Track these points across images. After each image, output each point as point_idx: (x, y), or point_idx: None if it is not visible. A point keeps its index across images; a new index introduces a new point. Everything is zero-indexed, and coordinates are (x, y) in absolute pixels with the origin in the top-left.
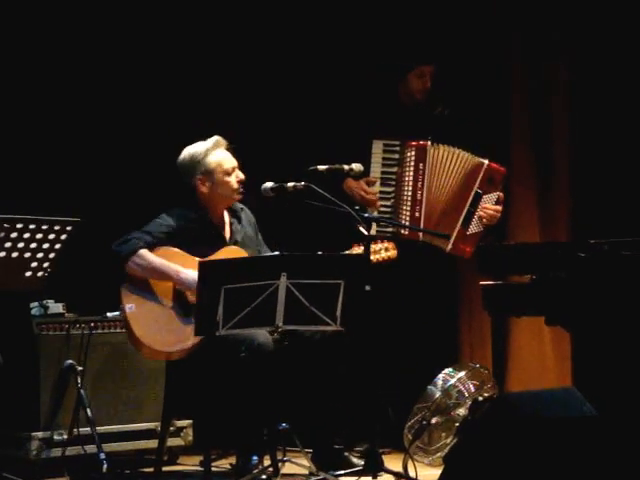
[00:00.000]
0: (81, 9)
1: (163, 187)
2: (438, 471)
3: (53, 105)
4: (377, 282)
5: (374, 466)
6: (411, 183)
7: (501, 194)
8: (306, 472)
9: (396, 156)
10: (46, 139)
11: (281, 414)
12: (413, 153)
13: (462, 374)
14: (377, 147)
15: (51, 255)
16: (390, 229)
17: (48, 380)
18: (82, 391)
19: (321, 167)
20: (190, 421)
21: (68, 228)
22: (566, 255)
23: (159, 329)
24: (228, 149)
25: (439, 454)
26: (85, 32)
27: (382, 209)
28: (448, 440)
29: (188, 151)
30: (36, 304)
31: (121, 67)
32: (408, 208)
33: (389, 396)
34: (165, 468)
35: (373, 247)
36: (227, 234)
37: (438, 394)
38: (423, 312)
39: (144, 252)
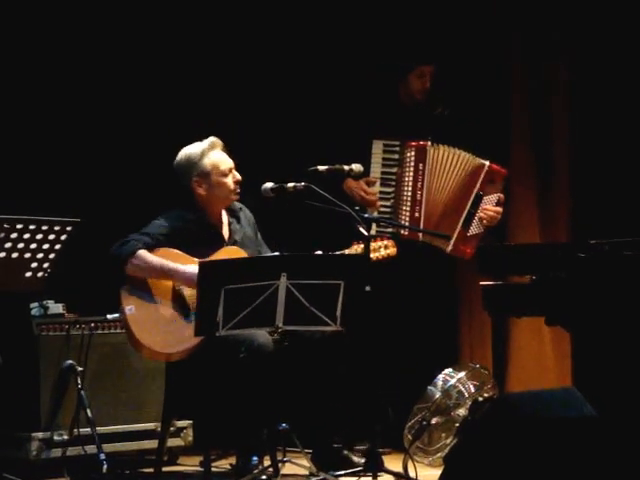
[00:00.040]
0: (81, 9)
1: (162, 188)
2: (438, 471)
3: (53, 106)
4: (377, 282)
5: (374, 466)
6: (411, 183)
7: (502, 195)
8: (306, 472)
9: (396, 156)
10: (46, 140)
11: (281, 414)
12: (413, 153)
13: (462, 374)
14: (377, 147)
15: (51, 255)
16: (390, 229)
17: (48, 380)
18: (82, 391)
19: (321, 167)
20: (190, 421)
21: (68, 228)
22: (566, 255)
23: (159, 330)
24: (224, 150)
25: (439, 454)
26: (85, 33)
27: (382, 209)
28: (448, 440)
29: (184, 153)
30: (36, 304)
31: (120, 68)
32: (408, 208)
33: (389, 396)
34: (165, 468)
35: (372, 245)
36: (226, 234)
37: (438, 394)
38: (423, 312)
39: (142, 253)
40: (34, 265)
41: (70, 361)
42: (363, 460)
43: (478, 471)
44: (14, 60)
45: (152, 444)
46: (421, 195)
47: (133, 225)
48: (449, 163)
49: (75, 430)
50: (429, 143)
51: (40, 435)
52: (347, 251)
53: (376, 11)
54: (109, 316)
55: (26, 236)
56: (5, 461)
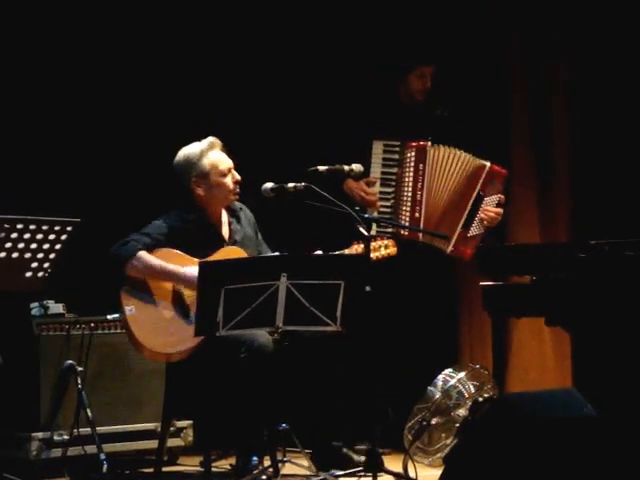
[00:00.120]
0: (81, 10)
1: (162, 188)
2: (438, 472)
3: (53, 106)
4: (377, 282)
5: (374, 467)
6: (411, 184)
7: (502, 196)
8: (306, 472)
9: (396, 157)
10: (46, 140)
11: (281, 415)
12: (413, 154)
13: (462, 375)
14: (377, 148)
15: (51, 255)
16: (390, 230)
17: (48, 380)
18: (82, 391)
19: (321, 168)
20: (190, 422)
21: (68, 228)
22: (566, 256)
23: (159, 331)
24: (223, 150)
25: (439, 455)
26: (85, 33)
27: (382, 210)
28: (448, 441)
29: (183, 153)
30: (36, 304)
31: (120, 68)
32: (408, 209)
33: (389, 396)
34: (165, 468)
35: (372, 245)
36: (226, 234)
37: (438, 395)
38: (423, 312)
39: (142, 254)
40: (34, 265)
41: (70, 361)
42: (363, 458)
43: (478, 471)
44: (14, 60)
45: (152, 444)
46: (421, 195)
47: (133, 225)
48: (449, 163)
49: (75, 430)
50: (429, 143)
51: (40, 435)
52: (347, 251)
53: (376, 11)
54: (109, 316)
55: (26, 236)
56: (5, 461)
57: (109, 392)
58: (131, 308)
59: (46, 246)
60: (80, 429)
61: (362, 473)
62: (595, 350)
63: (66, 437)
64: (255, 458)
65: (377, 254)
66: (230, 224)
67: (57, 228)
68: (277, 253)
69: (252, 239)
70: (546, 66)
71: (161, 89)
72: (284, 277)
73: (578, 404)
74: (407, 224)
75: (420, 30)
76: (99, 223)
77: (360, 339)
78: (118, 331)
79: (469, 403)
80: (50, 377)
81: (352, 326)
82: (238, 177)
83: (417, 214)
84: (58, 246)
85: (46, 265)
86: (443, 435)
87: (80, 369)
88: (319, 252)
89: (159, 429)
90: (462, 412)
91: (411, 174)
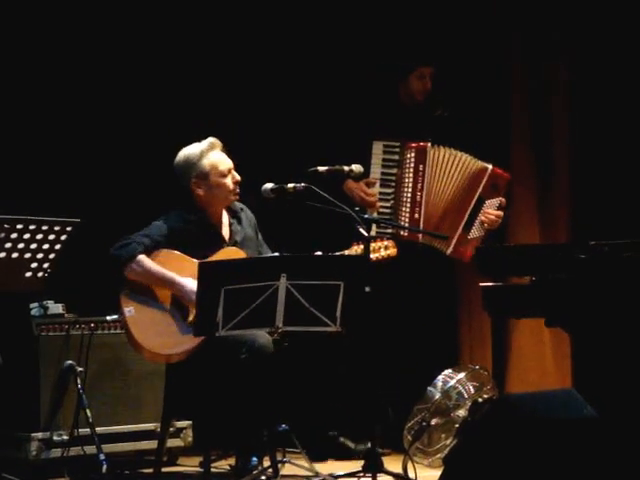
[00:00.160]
0: (81, 10)
1: (163, 188)
2: (438, 472)
3: (53, 106)
4: (377, 283)
5: (374, 467)
6: (411, 184)
7: (503, 199)
8: (306, 473)
9: (396, 157)
10: (46, 140)
11: (281, 415)
12: (413, 154)
13: (462, 375)
14: (377, 148)
15: (51, 256)
16: (390, 230)
17: (48, 381)
18: (82, 392)
19: (321, 168)
20: (190, 422)
21: (68, 229)
22: (566, 256)
23: (159, 332)
24: (224, 150)
25: (439, 455)
26: (85, 33)
27: (382, 210)
28: (448, 441)
29: (183, 153)
30: (36, 305)
31: (120, 68)
32: (407, 209)
33: (389, 396)
34: (165, 469)
35: (372, 245)
36: (226, 235)
37: (438, 395)
38: (423, 313)
39: (142, 258)
40: (34, 265)
41: (70, 361)
42: (361, 446)
43: (478, 472)
44: (14, 60)
45: (152, 444)
46: (421, 196)
47: (133, 225)
48: (450, 165)
49: (75, 430)
50: (429, 144)
51: (40, 435)
52: (347, 252)
53: (377, 12)
54: (108, 317)
55: (26, 236)
56: (5, 461)
57: (109, 392)
58: (130, 309)
59: (46, 246)
60: (80, 429)
61: (362, 474)
62: (595, 351)
63: (66, 437)
64: (255, 458)
65: (377, 255)
66: (231, 225)
67: (57, 228)
68: (277, 253)
69: (253, 240)
70: (546, 66)
71: (161, 89)
72: (284, 277)
73: (578, 405)
74: (407, 225)
75: (420, 31)
76: (99, 223)
77: (360, 340)
78: (118, 331)
79: (469, 404)
80: (50, 377)
81: (352, 327)
82: (238, 178)
83: (417, 215)
84: (58, 246)
85: (46, 265)
86: (443, 436)
87: (80, 369)
88: (319, 253)
89: (159, 429)
90: (462, 413)
91: (411, 175)
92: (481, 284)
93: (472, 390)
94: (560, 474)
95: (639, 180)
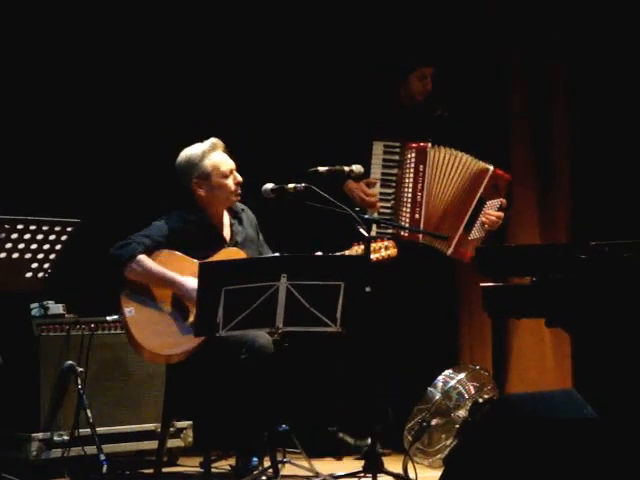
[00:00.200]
0: (81, 10)
1: (163, 188)
2: (438, 473)
3: (53, 106)
4: (377, 283)
5: (374, 467)
6: (411, 185)
7: (504, 200)
8: (306, 473)
9: (396, 157)
10: (46, 140)
11: (281, 415)
12: (413, 155)
13: (462, 376)
14: (377, 148)
15: (51, 256)
16: (390, 231)
17: (48, 381)
18: (82, 392)
19: (321, 168)
20: (190, 422)
21: (68, 229)
22: (566, 257)
23: (159, 333)
24: (225, 151)
25: (439, 456)
26: (86, 33)
27: (382, 211)
28: (448, 442)
29: (185, 154)
30: (36, 305)
31: (121, 69)
32: (408, 210)
33: (389, 396)
34: (165, 469)
35: (373, 246)
36: (227, 235)
37: (438, 396)
38: (423, 313)
39: (142, 258)
40: (34, 265)
41: (70, 362)
42: (360, 442)
43: (478, 472)
44: (14, 60)
45: (152, 445)
46: (421, 197)
47: (133, 226)
48: (450, 165)
49: (75, 431)
50: (429, 144)
51: (40, 435)
52: (347, 252)
53: (377, 12)
54: (108, 318)
55: (27, 236)
56: (5, 461)
57: (109, 393)
58: (131, 310)
59: (46, 247)
60: (80, 430)
61: (362, 474)
62: (595, 351)
63: (66, 438)
64: (255, 459)
65: (377, 255)
66: (232, 225)
67: (57, 229)
68: (277, 254)
69: (254, 240)
70: (546, 66)
71: (162, 90)
72: (284, 278)
73: (578, 405)
74: (407, 225)
75: (420, 31)
76: (99, 223)
77: (360, 340)
78: (118, 332)
79: (469, 404)
80: (50, 377)
81: (352, 327)
82: (240, 178)
83: (417, 215)
84: (58, 247)
85: (46, 265)
86: (443, 436)
87: (80, 370)
88: (319, 253)
89: (159, 430)
90: (462, 413)
91: (411, 175)
92: (481, 284)
93: (472, 390)
94: (560, 474)
95: (639, 180)
